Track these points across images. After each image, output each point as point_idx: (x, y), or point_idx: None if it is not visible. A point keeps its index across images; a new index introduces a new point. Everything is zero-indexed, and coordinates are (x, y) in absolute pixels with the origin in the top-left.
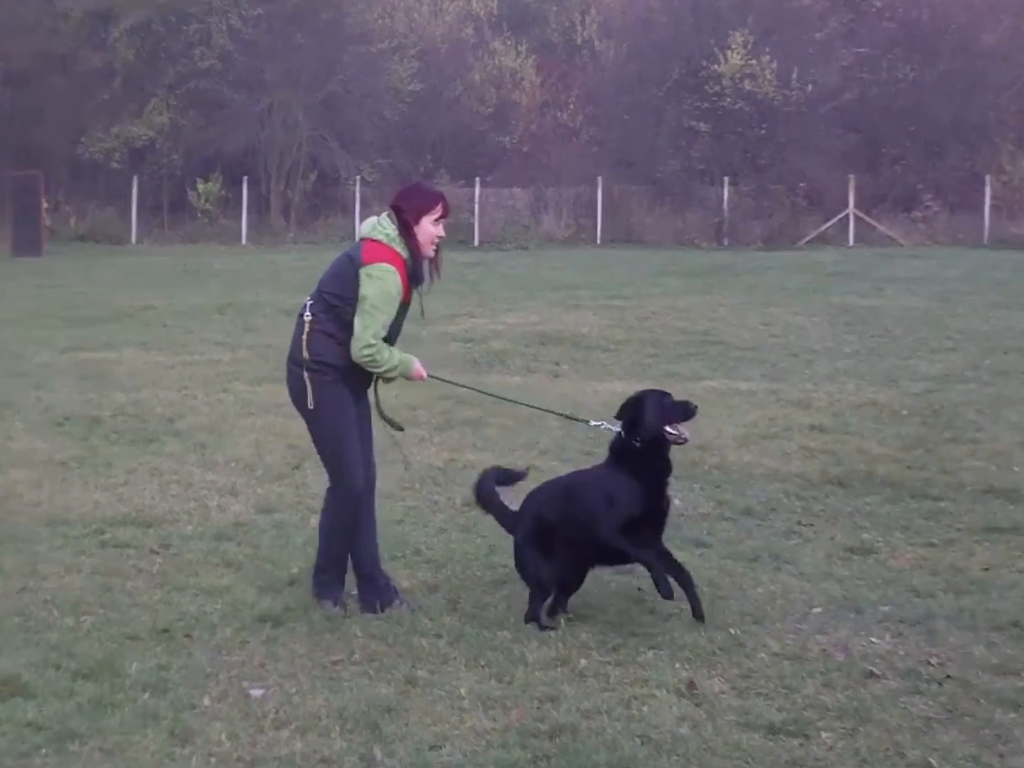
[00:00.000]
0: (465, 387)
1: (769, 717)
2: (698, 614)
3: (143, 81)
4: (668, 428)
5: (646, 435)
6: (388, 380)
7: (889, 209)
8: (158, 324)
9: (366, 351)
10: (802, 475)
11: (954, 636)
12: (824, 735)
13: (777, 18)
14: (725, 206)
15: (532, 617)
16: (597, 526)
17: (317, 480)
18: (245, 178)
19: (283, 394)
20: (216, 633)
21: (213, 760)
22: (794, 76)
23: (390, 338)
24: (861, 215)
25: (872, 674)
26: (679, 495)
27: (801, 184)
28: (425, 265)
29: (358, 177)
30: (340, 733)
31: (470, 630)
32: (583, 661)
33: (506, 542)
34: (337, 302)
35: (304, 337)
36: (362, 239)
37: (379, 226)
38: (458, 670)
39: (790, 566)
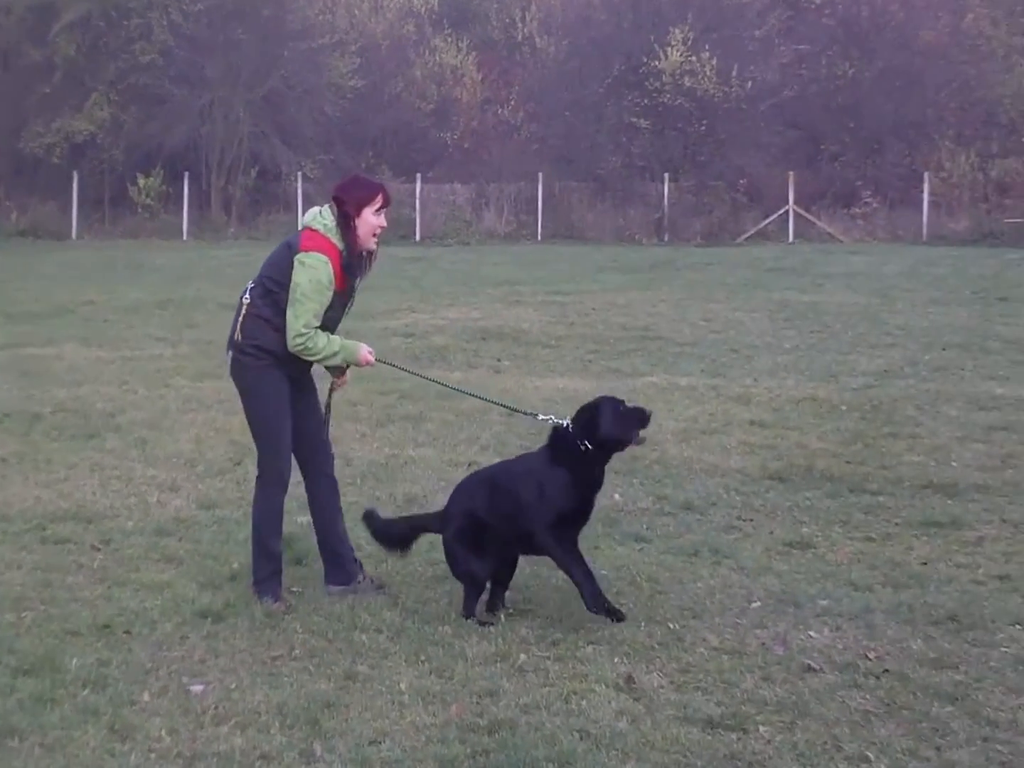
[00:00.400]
0: (413, 373)
1: (707, 711)
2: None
3: (84, 76)
4: (623, 438)
5: (605, 443)
6: (332, 369)
7: (828, 205)
8: (99, 319)
9: (298, 340)
10: (742, 470)
11: (892, 630)
12: (762, 729)
13: (717, 15)
14: (665, 202)
15: (468, 613)
16: (529, 519)
17: None
18: (186, 173)
19: (225, 390)
20: (156, 629)
21: (153, 756)
22: (734, 73)
23: (328, 328)
24: (801, 211)
25: (810, 668)
26: (619, 490)
27: (741, 180)
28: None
29: (299, 173)
30: (280, 729)
31: (410, 625)
32: (523, 656)
33: None
34: (274, 287)
35: (240, 320)
36: (303, 227)
37: (319, 216)
38: (398, 665)
39: (729, 560)
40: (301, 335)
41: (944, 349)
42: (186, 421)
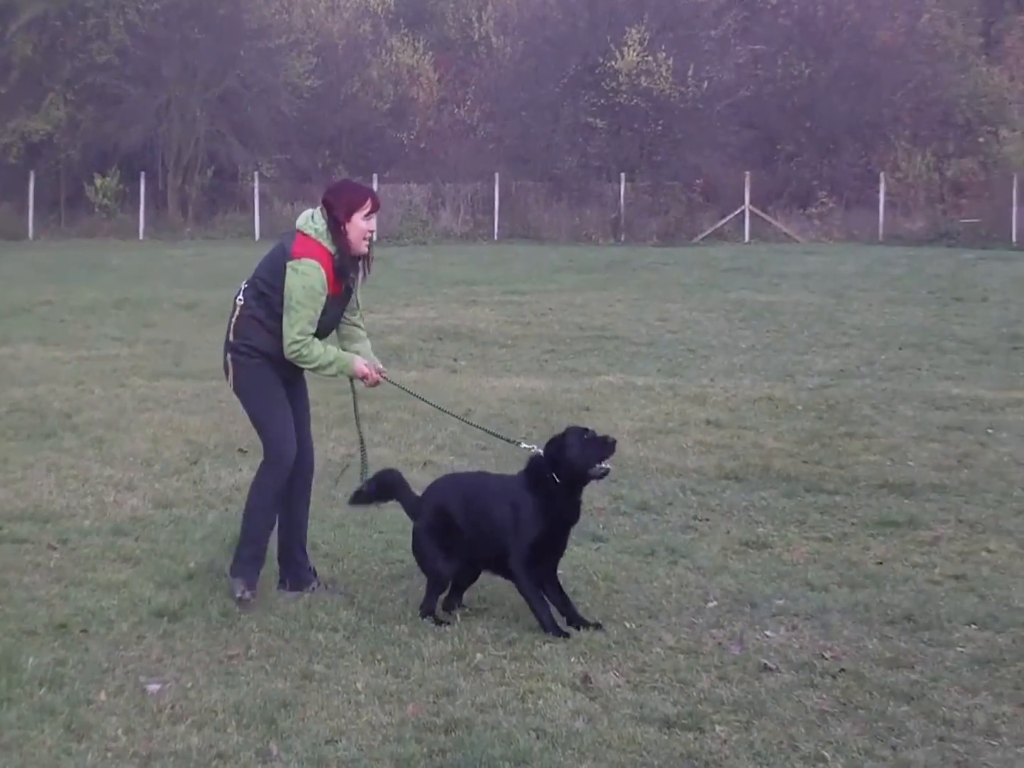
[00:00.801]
0: (421, 399)
1: (664, 711)
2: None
3: (40, 75)
4: (591, 470)
5: (570, 475)
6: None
7: (784, 205)
8: (55, 319)
9: (293, 347)
10: (698, 470)
11: (848, 629)
12: (718, 728)
13: (673, 15)
14: (622, 202)
15: (428, 611)
16: (505, 551)
17: (215, 475)
18: (143, 173)
19: (181, 389)
20: (113, 628)
21: (109, 755)
22: (690, 73)
23: (323, 331)
24: (757, 211)
25: (766, 668)
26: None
27: (697, 180)
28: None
29: (256, 172)
30: (236, 728)
31: (367, 625)
32: (479, 655)
33: (404, 537)
34: (267, 290)
35: (233, 320)
36: (296, 230)
37: (311, 220)
38: (355, 665)
39: (686, 560)
40: (296, 342)
41: (900, 349)
42: (142, 421)
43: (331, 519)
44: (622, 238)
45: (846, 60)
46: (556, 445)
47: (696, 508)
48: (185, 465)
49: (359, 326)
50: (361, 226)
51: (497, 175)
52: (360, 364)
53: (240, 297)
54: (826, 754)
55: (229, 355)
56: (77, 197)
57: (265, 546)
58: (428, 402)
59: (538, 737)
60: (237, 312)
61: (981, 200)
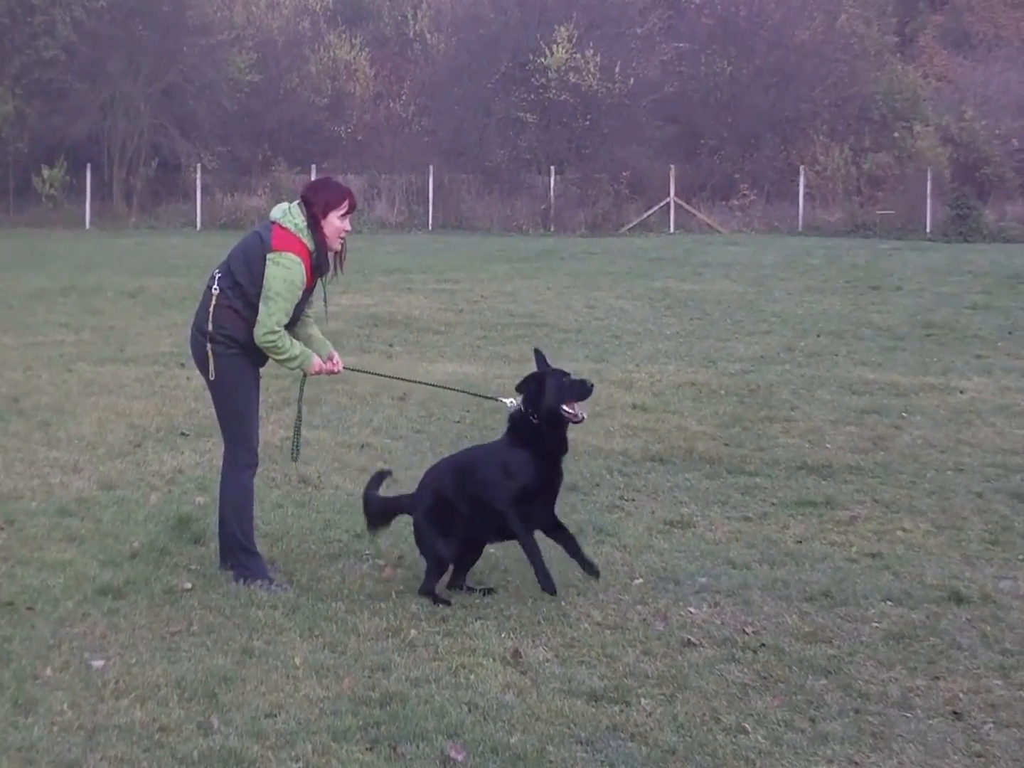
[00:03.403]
0: (380, 375)
1: (591, 684)
2: (592, 572)
3: None
4: (566, 407)
5: (545, 412)
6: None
7: (708, 197)
8: (3, 306)
9: (269, 337)
10: (624, 452)
11: (768, 606)
12: (643, 701)
13: (600, 13)
14: (551, 194)
15: (427, 591)
16: (492, 497)
17: (157, 458)
18: (89, 165)
19: (125, 374)
20: (58, 606)
21: (55, 729)
22: (617, 69)
23: (292, 320)
24: (681, 203)
25: (690, 643)
26: None
27: (624, 173)
28: (330, 256)
29: (198, 164)
30: (178, 702)
31: (305, 602)
32: (413, 632)
33: (341, 517)
34: (243, 280)
35: (211, 309)
36: (272, 222)
37: (289, 214)
38: (293, 641)
39: (612, 539)
40: (274, 332)
41: (818, 336)
42: (88, 405)
43: (270, 500)
44: (552, 229)
45: (767, 58)
46: (533, 384)
47: (622, 489)
48: (129, 448)
49: (308, 315)
50: (337, 225)
51: (431, 167)
52: (316, 363)
53: (216, 286)
54: (747, 726)
55: (209, 345)
56: (25, 188)
57: (252, 538)
58: (393, 377)
59: (470, 710)
60: (214, 301)
61: (896, 193)
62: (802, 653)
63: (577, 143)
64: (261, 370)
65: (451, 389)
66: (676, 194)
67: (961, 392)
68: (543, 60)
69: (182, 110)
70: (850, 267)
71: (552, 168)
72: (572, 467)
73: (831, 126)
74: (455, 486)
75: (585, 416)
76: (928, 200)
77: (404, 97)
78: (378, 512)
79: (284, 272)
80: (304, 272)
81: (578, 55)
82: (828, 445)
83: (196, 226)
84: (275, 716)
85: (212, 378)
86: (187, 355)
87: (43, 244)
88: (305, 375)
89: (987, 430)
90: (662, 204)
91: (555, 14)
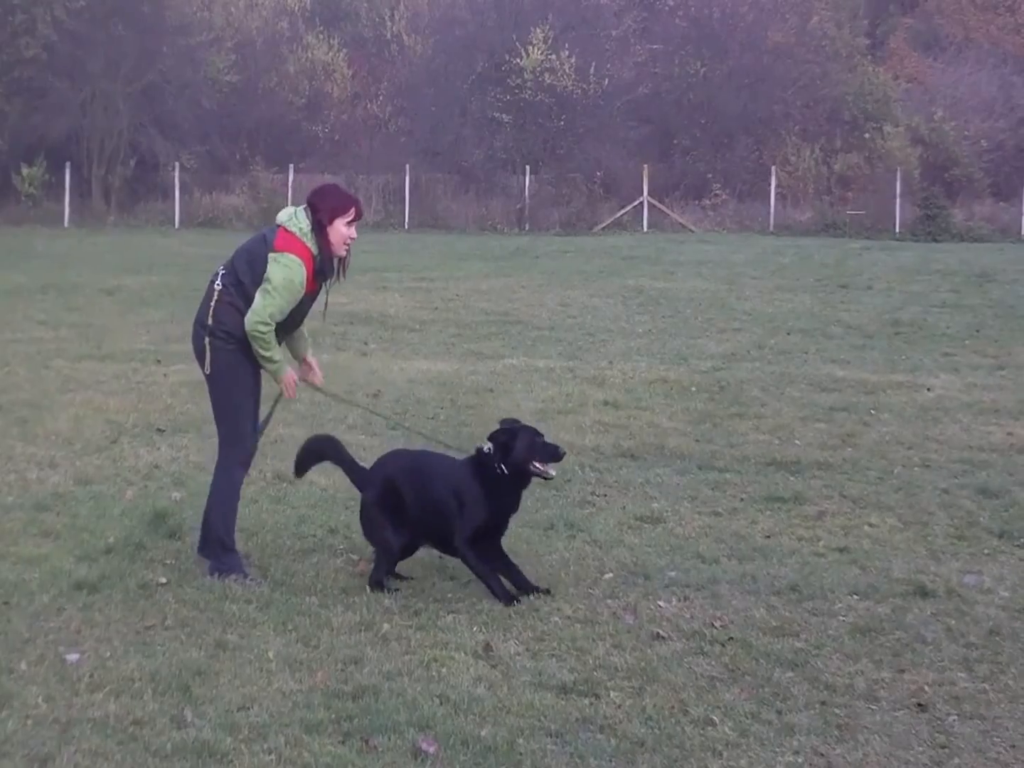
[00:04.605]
0: (351, 403)
1: (561, 677)
2: (537, 591)
3: None
4: (535, 464)
5: (513, 467)
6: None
7: (681, 197)
8: None
9: (260, 327)
10: (596, 448)
11: (737, 600)
12: (613, 694)
13: (576, 15)
14: (526, 193)
15: (377, 582)
16: (450, 532)
17: (133, 453)
18: (68, 163)
19: (102, 371)
20: (34, 600)
21: (30, 722)
22: (592, 71)
23: (293, 324)
24: (654, 202)
25: (659, 636)
26: None
27: (598, 173)
28: (335, 262)
29: (177, 164)
30: (152, 695)
31: (279, 596)
32: (386, 626)
33: (315, 512)
34: (246, 279)
35: (212, 304)
36: (278, 225)
37: (295, 218)
38: (267, 634)
39: (584, 534)
40: (265, 324)
41: (788, 334)
42: (65, 401)
43: (246, 496)
44: (526, 228)
45: (740, 59)
46: (506, 437)
47: (594, 484)
48: (105, 444)
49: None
50: (343, 231)
51: (408, 167)
52: (290, 378)
53: (219, 283)
54: (715, 718)
55: (207, 339)
56: (4, 186)
57: (233, 536)
58: (354, 404)
59: (441, 703)
60: (216, 297)
61: (866, 193)
62: (769, 646)
63: (552, 143)
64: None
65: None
66: (649, 193)
67: (929, 390)
68: (519, 61)
69: (161, 109)
70: (820, 266)
71: (527, 168)
72: None
73: (803, 127)
74: (413, 487)
75: (553, 475)
76: (898, 200)
77: (381, 98)
78: (317, 455)
79: (285, 271)
80: (305, 275)
81: (553, 56)
82: (797, 442)
83: (174, 224)
84: (248, 709)
85: (208, 372)
86: (163, 352)
87: (22, 242)
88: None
89: (954, 427)
90: (635, 203)
91: (531, 16)
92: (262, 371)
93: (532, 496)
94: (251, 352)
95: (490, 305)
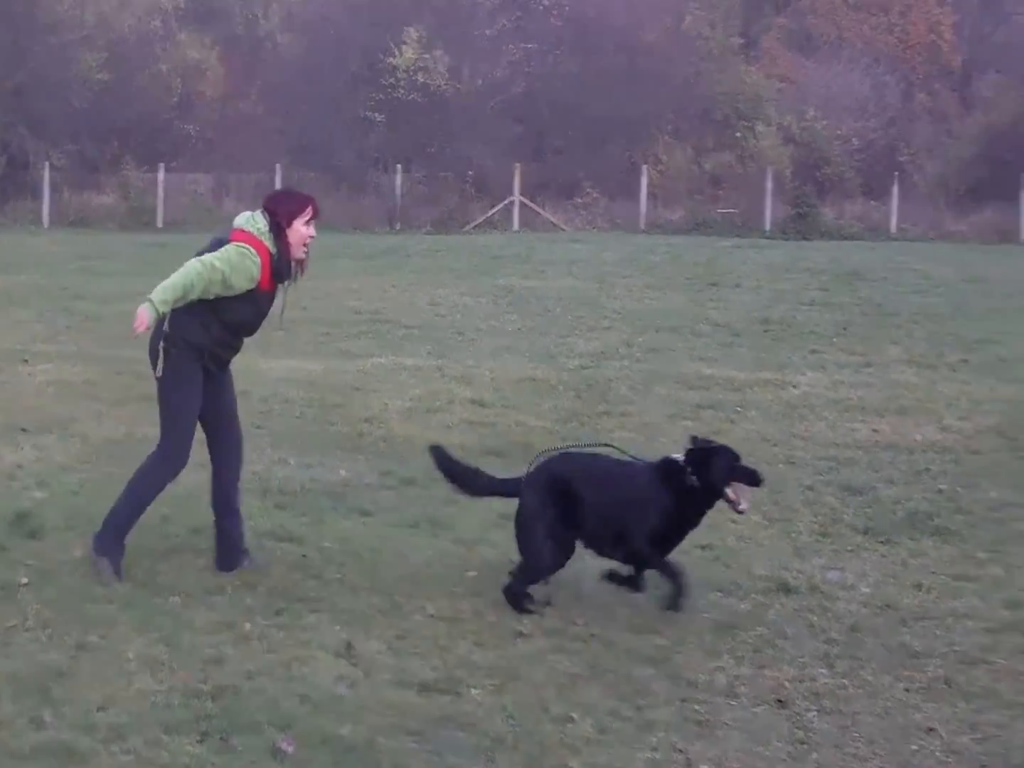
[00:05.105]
0: None
1: (423, 675)
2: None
3: None
4: (729, 490)
5: (709, 485)
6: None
7: (552, 196)
8: None
9: (196, 265)
10: (462, 446)
11: (599, 597)
12: (473, 692)
13: (450, 14)
14: (398, 192)
15: (519, 594)
16: (626, 539)
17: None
18: None
19: None
20: None
21: None
22: (465, 70)
23: (251, 327)
24: (526, 201)
25: (521, 634)
26: (345, 466)
27: (470, 172)
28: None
29: (47, 162)
30: (11, 697)
31: (140, 596)
32: (247, 625)
33: (179, 512)
34: None
35: (169, 313)
36: (234, 228)
37: (252, 220)
38: (127, 635)
39: (448, 532)
40: (203, 264)
41: (657, 332)
42: None
43: (109, 496)
44: (398, 227)
45: (613, 59)
46: (706, 452)
47: None
48: None
49: None
50: (302, 231)
51: (279, 166)
52: (142, 312)
53: None
54: (575, 715)
55: (162, 343)
56: None
57: (126, 530)
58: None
59: (302, 702)
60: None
61: (737, 191)
62: (631, 643)
63: (424, 142)
64: (103, 367)
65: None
66: (521, 192)
67: (795, 387)
68: (392, 60)
69: (31, 108)
70: (691, 264)
71: (399, 167)
72: (410, 462)
73: (675, 126)
74: (588, 489)
75: (746, 509)
76: (769, 199)
77: (254, 96)
78: (470, 483)
79: (239, 251)
80: (260, 266)
81: (427, 56)
82: (663, 439)
83: (44, 223)
84: (107, 710)
85: (159, 375)
86: (30, 352)
87: None
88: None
89: (819, 424)
90: (507, 202)
91: (405, 15)
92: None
93: (397, 496)
94: (205, 360)
95: (360, 304)
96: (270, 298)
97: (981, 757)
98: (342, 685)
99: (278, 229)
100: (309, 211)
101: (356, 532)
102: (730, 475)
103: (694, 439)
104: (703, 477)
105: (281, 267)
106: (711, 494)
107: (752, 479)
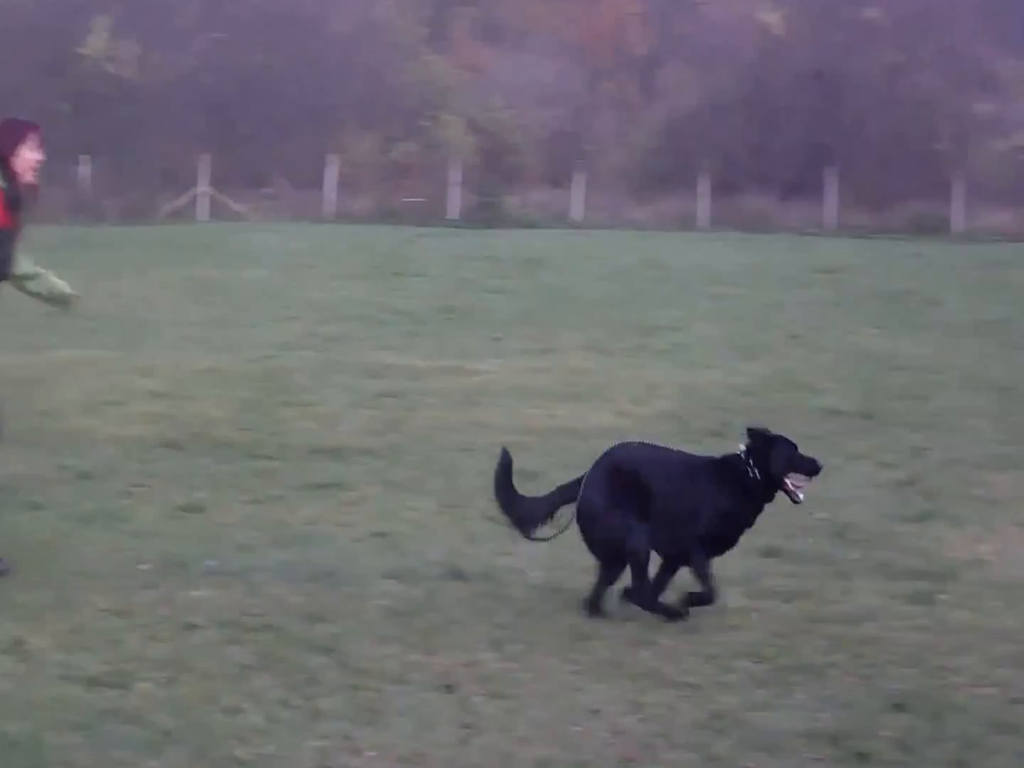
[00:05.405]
0: None
1: (91, 670)
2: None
3: None
4: (790, 481)
5: (769, 477)
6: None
7: (241, 186)
8: None
9: None
10: (140, 439)
11: (274, 587)
12: (142, 685)
13: (140, 4)
14: (85, 183)
15: (652, 598)
16: (684, 534)
17: None
18: None
19: None
20: None
21: None
22: (154, 60)
23: (1, 266)
24: (213, 192)
25: (193, 626)
26: (22, 462)
27: (158, 162)
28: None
29: None
30: None
31: None
32: None
33: None
34: None
35: None
36: None
37: None
38: None
39: (123, 525)
40: None
41: (341, 322)
42: None
43: None
44: (84, 218)
45: (302, 49)
46: (765, 442)
47: (136, 475)
48: None
49: (38, 271)
50: (28, 157)
51: None
52: None
53: None
54: (245, 705)
55: None
56: None
57: None
58: None
59: None
60: None
61: (424, 181)
62: (304, 633)
63: (112, 133)
64: None
65: None
66: (211, 183)
67: (475, 374)
68: (81, 50)
69: None
70: (376, 254)
71: (88, 158)
72: (88, 455)
73: (363, 115)
74: (655, 478)
75: (803, 500)
76: (454, 188)
77: None
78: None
79: None
80: None
81: (115, 46)
82: (342, 428)
83: None
84: None
85: None
86: None
87: None
88: None
89: (497, 410)
90: (194, 193)
91: (94, 4)
92: None
93: (72, 489)
94: None
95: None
96: (11, 235)
97: (646, 737)
98: (9, 682)
99: (3, 162)
100: (32, 135)
101: (27, 527)
102: (791, 466)
103: (750, 430)
104: (764, 470)
105: (16, 195)
106: (770, 487)
107: (811, 469)
